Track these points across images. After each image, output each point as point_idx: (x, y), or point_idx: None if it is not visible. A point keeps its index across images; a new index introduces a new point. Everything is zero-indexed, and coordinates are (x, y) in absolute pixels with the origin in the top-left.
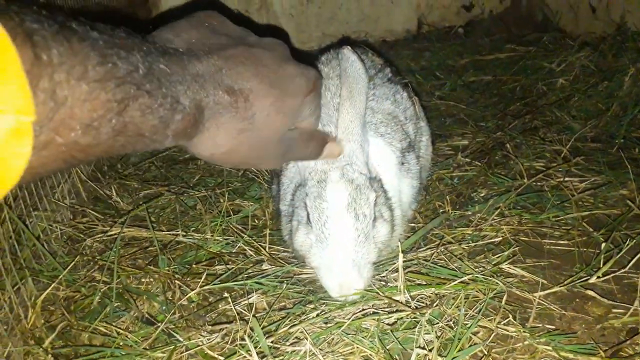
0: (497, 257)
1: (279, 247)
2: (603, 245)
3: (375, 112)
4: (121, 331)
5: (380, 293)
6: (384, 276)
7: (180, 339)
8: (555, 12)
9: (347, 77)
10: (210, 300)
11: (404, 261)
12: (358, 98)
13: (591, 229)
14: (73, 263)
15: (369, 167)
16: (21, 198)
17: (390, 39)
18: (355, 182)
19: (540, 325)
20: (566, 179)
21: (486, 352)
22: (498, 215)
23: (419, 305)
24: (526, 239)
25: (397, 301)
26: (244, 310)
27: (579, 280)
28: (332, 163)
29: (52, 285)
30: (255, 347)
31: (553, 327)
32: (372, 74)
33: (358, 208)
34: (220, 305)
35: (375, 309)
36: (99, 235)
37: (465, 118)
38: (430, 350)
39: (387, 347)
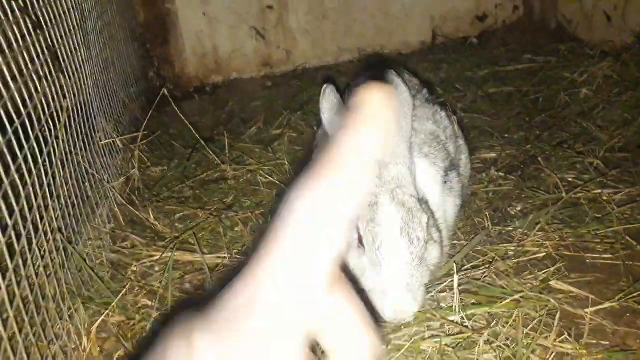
0: (543, 273)
1: None
2: None
3: (418, 132)
4: None
5: (437, 314)
6: (432, 296)
7: None
8: (569, 21)
9: None
10: None
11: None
12: (404, 121)
13: (634, 242)
14: (125, 289)
15: (417, 189)
16: (67, 225)
17: (405, 51)
18: (406, 205)
19: (595, 341)
20: (601, 191)
21: None
22: (539, 230)
23: (475, 325)
24: (569, 253)
25: (455, 323)
26: None
27: (632, 295)
28: (381, 186)
29: (106, 312)
30: None
31: (607, 342)
32: (412, 95)
33: (412, 232)
34: None
35: (431, 330)
36: (145, 260)
37: (490, 130)
38: None
39: None
